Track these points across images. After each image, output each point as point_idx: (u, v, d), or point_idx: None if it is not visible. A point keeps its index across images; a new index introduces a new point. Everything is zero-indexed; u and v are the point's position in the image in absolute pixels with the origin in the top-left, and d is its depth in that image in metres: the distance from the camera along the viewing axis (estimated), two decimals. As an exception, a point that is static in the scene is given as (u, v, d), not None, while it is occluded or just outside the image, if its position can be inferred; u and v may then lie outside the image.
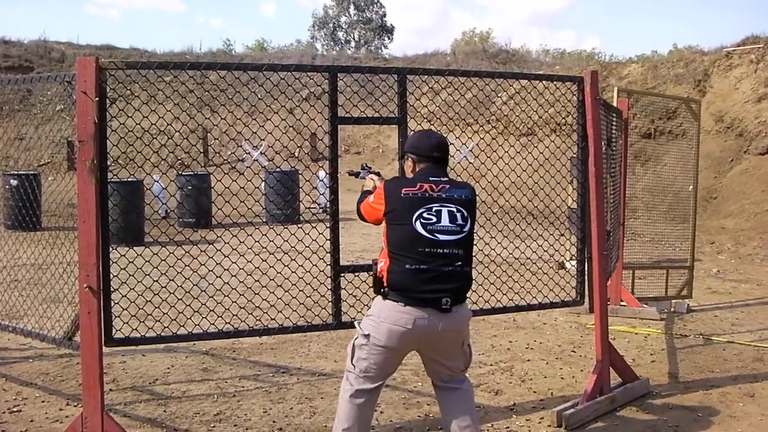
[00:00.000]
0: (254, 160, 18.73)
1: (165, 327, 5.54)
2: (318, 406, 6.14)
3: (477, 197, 4.75)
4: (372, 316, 4.53)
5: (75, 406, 6.08)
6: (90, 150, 4.66)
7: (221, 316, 5.45)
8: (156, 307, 5.41)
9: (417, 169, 4.73)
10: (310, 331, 6.08)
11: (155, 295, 5.26)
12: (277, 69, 5.66)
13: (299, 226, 6.07)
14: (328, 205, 5.74)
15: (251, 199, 5.98)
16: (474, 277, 4.64)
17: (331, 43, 59.73)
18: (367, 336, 4.50)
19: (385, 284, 4.47)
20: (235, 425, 5.76)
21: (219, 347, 7.71)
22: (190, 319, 5.41)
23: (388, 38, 61.19)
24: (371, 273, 4.91)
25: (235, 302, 5.49)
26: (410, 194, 4.51)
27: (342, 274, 5.56)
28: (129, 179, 15.21)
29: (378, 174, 5.45)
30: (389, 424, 5.82)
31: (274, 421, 5.84)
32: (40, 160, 25.63)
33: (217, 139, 26.18)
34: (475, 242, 4.71)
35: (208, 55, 37.75)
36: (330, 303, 5.53)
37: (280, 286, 5.74)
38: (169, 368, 7.15)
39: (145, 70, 5.22)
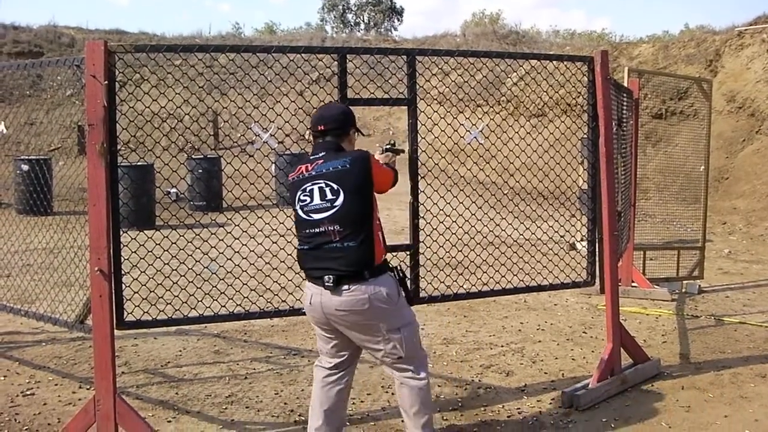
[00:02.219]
0: (264, 142, 18.67)
1: (176, 310, 5.55)
2: (329, 388, 6.14)
3: (363, 163, 4.48)
4: None
5: (87, 389, 6.11)
6: (100, 134, 4.66)
7: (232, 299, 5.44)
8: (167, 290, 5.41)
9: (314, 145, 4.69)
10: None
11: (166, 278, 5.26)
12: (287, 51, 5.65)
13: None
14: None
15: (261, 182, 5.96)
16: (485, 258, 4.60)
17: (341, 26, 59.51)
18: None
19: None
20: (246, 407, 5.78)
21: (230, 329, 7.74)
22: (201, 301, 5.42)
23: (398, 20, 60.89)
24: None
25: (246, 284, 5.48)
26: (292, 180, 4.55)
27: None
28: (139, 163, 15.25)
29: (396, 152, 5.34)
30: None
31: (285, 403, 5.86)
32: (50, 145, 25.65)
33: (227, 122, 26.16)
34: (484, 224, 4.66)
35: (217, 38, 37.68)
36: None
37: (291, 268, 5.73)
38: (180, 351, 7.19)
39: (154, 53, 5.23)
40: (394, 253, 5.78)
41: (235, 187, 6.02)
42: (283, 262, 5.58)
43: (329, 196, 4.37)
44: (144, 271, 5.08)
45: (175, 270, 5.25)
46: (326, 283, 4.34)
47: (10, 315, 7.28)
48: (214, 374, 6.52)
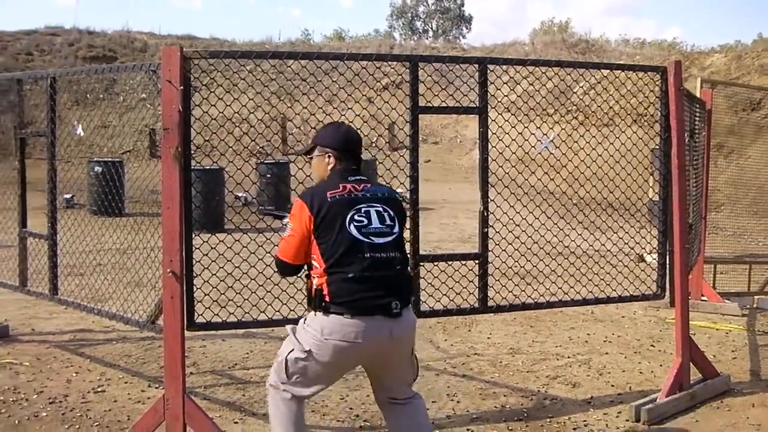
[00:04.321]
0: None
1: (246, 312, 5.60)
2: (394, 394, 6.15)
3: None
4: (312, 333, 4.08)
5: (156, 387, 6.21)
6: (174, 137, 4.74)
7: (301, 303, 5.45)
8: (237, 293, 5.46)
9: (337, 168, 4.32)
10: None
11: (236, 281, 5.32)
12: (359, 58, 5.68)
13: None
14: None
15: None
16: (553, 269, 4.55)
17: (409, 33, 59.72)
18: (308, 352, 4.08)
19: (327, 298, 4.01)
20: (312, 411, 5.81)
21: (297, 334, 7.77)
22: (270, 305, 5.45)
23: (466, 28, 61.01)
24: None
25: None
26: (336, 197, 4.13)
27: (421, 264, 5.57)
28: (211, 167, 15.44)
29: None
30: (465, 414, 5.82)
31: (350, 408, 5.89)
32: (123, 148, 26.16)
33: (299, 127, 26.36)
34: (553, 234, 4.60)
35: (286, 44, 38.06)
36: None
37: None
38: (248, 353, 7.26)
39: (227, 59, 5.30)
40: (463, 262, 5.79)
41: (296, 192, 6.02)
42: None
43: (388, 221, 4.19)
44: (215, 274, 5.14)
45: (246, 273, 5.30)
46: (394, 310, 4.06)
47: (82, 313, 7.41)
48: (279, 377, 6.57)
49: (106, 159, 18.42)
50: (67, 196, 17.51)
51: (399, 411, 4.40)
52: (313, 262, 4.13)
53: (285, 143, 26.20)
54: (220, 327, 5.32)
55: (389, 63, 6.25)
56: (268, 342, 7.54)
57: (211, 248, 5.08)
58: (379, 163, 18.12)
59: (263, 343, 7.54)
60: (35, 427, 5.49)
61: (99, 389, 6.23)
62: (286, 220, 4.61)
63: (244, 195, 16.56)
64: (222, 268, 5.18)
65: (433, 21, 61.17)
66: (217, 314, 5.23)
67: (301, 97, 23.78)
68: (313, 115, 6.56)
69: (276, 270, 4.41)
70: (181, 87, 4.75)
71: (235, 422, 5.60)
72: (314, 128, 8.11)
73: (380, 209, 4.19)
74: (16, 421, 5.60)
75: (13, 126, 23.25)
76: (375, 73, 6.42)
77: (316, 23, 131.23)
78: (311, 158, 4.47)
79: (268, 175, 17.80)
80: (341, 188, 4.16)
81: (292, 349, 4.15)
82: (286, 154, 24.05)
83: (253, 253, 5.34)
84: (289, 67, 17.83)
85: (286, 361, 4.15)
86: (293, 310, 5.24)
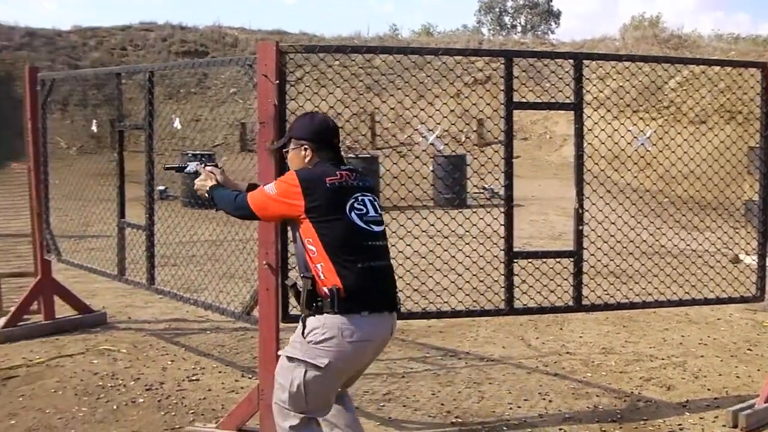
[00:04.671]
0: (430, 143, 18.80)
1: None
2: (486, 391, 6.13)
3: None
4: (326, 341, 3.80)
5: (249, 378, 6.29)
6: (270, 131, 4.79)
7: (403, 291, 5.40)
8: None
9: (314, 160, 4.11)
10: (481, 316, 6.08)
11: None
12: (453, 54, 5.70)
13: (473, 210, 6.06)
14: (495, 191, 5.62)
15: (419, 183, 5.97)
16: (649, 268, 4.45)
17: (497, 28, 59.28)
18: (327, 365, 3.80)
19: (343, 294, 3.78)
20: (404, 405, 5.82)
21: (388, 328, 7.78)
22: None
23: (555, 23, 60.28)
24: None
25: (409, 284, 5.49)
26: (336, 183, 3.95)
27: (515, 260, 5.52)
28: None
29: (218, 166, 4.65)
30: (557, 413, 5.76)
31: (442, 404, 5.87)
32: (214, 141, 26.57)
33: (393, 122, 26.42)
34: (649, 233, 4.48)
35: (375, 39, 38.09)
36: (503, 289, 5.46)
37: (453, 270, 5.70)
38: (338, 346, 7.27)
39: (323, 53, 5.33)
40: (557, 259, 5.72)
41: (391, 186, 6.02)
42: (438, 264, 5.55)
43: (379, 210, 4.08)
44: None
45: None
46: (398, 306, 4.06)
47: (176, 303, 7.56)
48: (371, 371, 6.55)
49: (198, 152, 18.72)
50: (161, 188, 17.83)
51: (344, 402, 4.28)
52: (309, 245, 3.90)
53: (373, 138, 26.30)
54: (315, 320, 5.35)
55: (475, 59, 6.21)
56: (358, 336, 7.56)
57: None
58: (474, 158, 18.02)
59: (355, 336, 7.56)
60: (132, 413, 5.62)
61: (194, 378, 6.35)
62: (190, 168, 4.78)
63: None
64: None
65: (522, 16, 60.60)
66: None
67: (392, 92, 23.94)
68: (405, 110, 6.53)
69: (225, 205, 4.25)
70: (277, 81, 4.80)
71: (326, 415, 5.64)
72: (409, 123, 8.15)
73: (371, 198, 4.07)
74: (115, 407, 5.75)
75: (109, 119, 23.93)
76: (465, 69, 6.36)
77: (404, 19, 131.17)
78: (287, 152, 4.24)
79: (359, 169, 17.81)
80: (338, 175, 3.99)
81: (305, 371, 3.85)
82: (375, 148, 24.16)
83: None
84: (384, 62, 17.90)
85: (304, 386, 3.86)
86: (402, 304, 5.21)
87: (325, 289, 3.80)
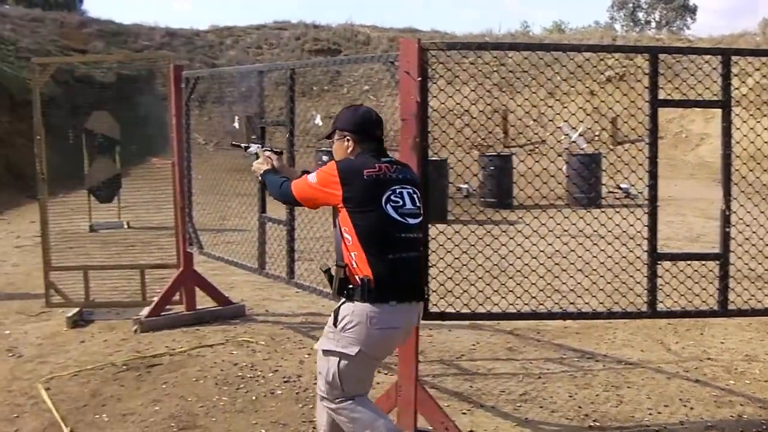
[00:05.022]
0: (573, 141, 18.58)
1: (479, 304, 5.53)
2: (625, 395, 6.00)
3: None
4: (357, 329, 3.98)
5: (385, 374, 6.32)
6: (412, 128, 4.80)
7: (520, 297, 5.33)
8: (456, 284, 5.39)
9: (357, 151, 4.26)
10: (622, 318, 5.94)
11: (456, 272, 5.26)
12: (596, 50, 5.56)
13: (604, 210, 5.93)
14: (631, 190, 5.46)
15: (553, 182, 5.86)
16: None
17: (631, 24, 58.07)
18: (359, 352, 3.98)
19: (372, 285, 3.96)
20: (540, 407, 5.76)
21: (523, 328, 7.73)
22: (489, 298, 5.33)
23: (691, 18, 58.66)
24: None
25: (534, 284, 5.39)
26: (373, 176, 4.08)
27: (659, 262, 5.37)
28: (434, 158, 15.61)
29: (278, 154, 4.97)
30: (699, 421, 5.58)
31: (579, 407, 5.78)
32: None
33: (526, 120, 26.19)
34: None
35: (506, 37, 37.79)
36: (645, 291, 5.31)
37: (581, 270, 5.57)
38: (474, 345, 7.28)
39: (465, 50, 5.31)
40: (703, 262, 5.53)
41: (527, 185, 5.93)
42: (575, 263, 5.45)
43: (417, 203, 4.19)
44: (450, 265, 5.15)
45: (465, 265, 5.26)
46: (425, 296, 4.28)
47: (312, 297, 7.67)
48: (507, 371, 6.54)
49: (330, 149, 18.96)
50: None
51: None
52: (345, 234, 4.07)
53: (507, 135, 26.13)
54: (453, 318, 5.34)
55: (613, 55, 6.06)
56: (493, 335, 7.54)
57: (432, 239, 5.06)
58: (603, 156, 17.71)
59: (489, 335, 7.54)
60: (271, 404, 5.73)
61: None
62: (252, 149, 5.07)
63: (466, 186, 16.62)
64: (441, 258, 5.15)
65: (656, 11, 59.23)
66: (436, 305, 5.26)
67: (524, 90, 23.75)
68: (534, 107, 6.44)
69: (272, 190, 4.56)
70: (419, 78, 4.80)
71: (463, 413, 5.63)
72: (535, 120, 8.04)
73: (411, 191, 4.18)
74: (254, 397, 5.88)
75: (245, 116, 24.42)
76: (597, 66, 6.22)
77: (534, 16, 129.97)
78: (332, 142, 4.44)
79: (491, 168, 17.75)
80: (377, 168, 4.11)
81: (339, 360, 4.02)
82: (507, 147, 24.01)
83: (473, 245, 5.26)
84: (514, 60, 17.75)
85: (339, 375, 4.03)
86: (512, 304, 5.16)
87: (357, 278, 4.00)
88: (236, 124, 23.69)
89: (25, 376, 6.52)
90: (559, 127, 20.91)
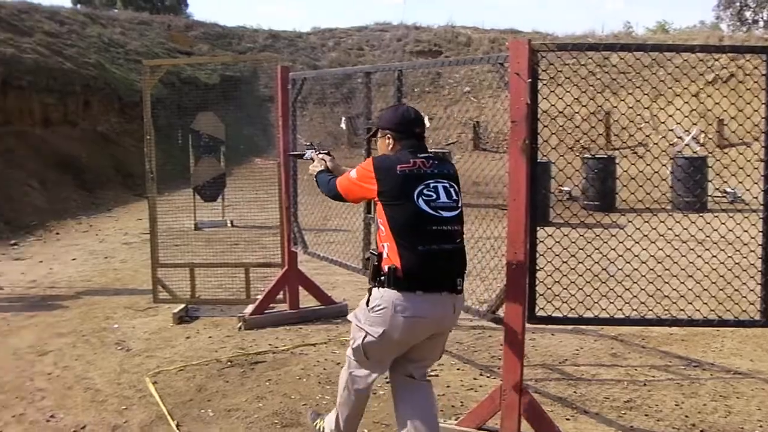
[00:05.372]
0: (685, 144, 18.19)
1: (572, 309, 5.46)
2: (733, 406, 5.83)
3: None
4: (382, 312, 4.22)
5: (488, 377, 6.31)
6: (522, 130, 4.74)
7: (628, 303, 5.24)
8: (564, 288, 5.32)
9: (397, 148, 4.47)
10: (734, 327, 5.81)
11: (564, 276, 5.18)
12: (711, 51, 5.41)
13: (715, 215, 5.77)
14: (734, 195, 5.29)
15: (656, 185, 5.72)
16: None
17: (737, 24, 56.49)
18: (382, 334, 4.23)
19: (400, 273, 4.16)
20: (645, 415, 5.65)
21: (627, 333, 7.58)
22: (597, 303, 5.27)
23: (801, 17, 56.72)
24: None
25: (644, 290, 5.27)
26: (407, 171, 4.27)
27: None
28: (539, 160, 15.46)
29: (329, 154, 5.26)
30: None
31: (686, 416, 5.64)
32: (447, 139, 26.82)
33: (616, 121, 25.77)
34: None
35: (610, 37, 37.22)
36: (759, 298, 5.11)
37: (692, 276, 5.40)
38: (577, 350, 7.18)
39: (576, 51, 5.23)
40: None
41: (629, 188, 5.80)
42: (684, 269, 5.31)
43: (454, 196, 4.36)
44: (558, 268, 5.08)
45: (573, 269, 5.17)
46: (458, 287, 4.30)
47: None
48: (611, 377, 6.44)
49: (434, 150, 18.95)
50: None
51: (414, 387, 4.51)
52: (380, 225, 4.32)
53: (608, 137, 25.72)
54: (560, 322, 5.28)
55: (719, 56, 5.87)
56: (597, 340, 7.44)
57: (556, 242, 5.00)
58: (716, 160, 17.23)
59: (593, 340, 7.44)
60: (373, 405, 5.76)
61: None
62: (307, 155, 5.39)
63: (568, 189, 16.43)
64: (550, 262, 5.09)
65: (765, 11, 57.47)
66: (558, 309, 5.20)
67: (623, 91, 23.33)
68: (636, 108, 6.29)
69: (322, 188, 4.88)
70: (529, 80, 4.75)
71: (567, 419, 5.56)
72: (661, 123, 7.87)
73: (447, 185, 4.34)
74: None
75: (346, 117, 24.63)
76: (699, 67, 6.04)
77: (637, 16, 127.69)
78: (376, 140, 4.71)
79: (595, 170, 17.48)
80: (411, 163, 4.30)
81: (365, 335, 4.31)
82: (609, 149, 23.61)
83: (582, 249, 5.19)
84: (608, 60, 17.47)
85: (363, 346, 4.34)
86: (620, 310, 5.06)
87: (386, 267, 4.22)
88: (342, 125, 23.93)
89: (133, 369, 6.71)
90: (671, 130, 20.42)
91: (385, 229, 4.28)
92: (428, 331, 4.35)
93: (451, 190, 4.36)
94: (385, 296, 4.21)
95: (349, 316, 4.57)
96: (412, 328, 4.24)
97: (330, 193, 4.76)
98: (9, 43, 20.17)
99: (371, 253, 4.40)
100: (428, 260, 4.18)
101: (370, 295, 4.32)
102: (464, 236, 4.44)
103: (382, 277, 4.23)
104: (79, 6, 38.02)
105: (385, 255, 4.26)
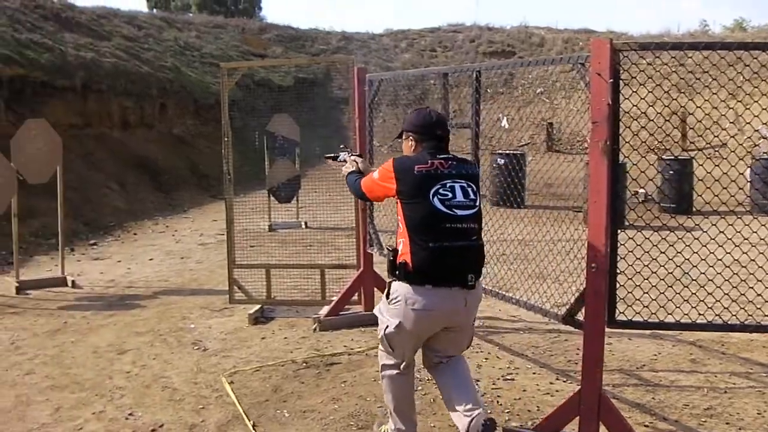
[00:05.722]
0: (772, 145, 17.74)
1: (652, 313, 5.34)
2: (820, 416, 5.68)
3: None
4: (398, 305, 4.47)
5: (564, 381, 6.24)
6: (603, 131, 4.67)
7: (711, 308, 5.12)
8: (645, 293, 5.21)
9: (419, 149, 4.69)
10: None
11: (645, 279, 5.08)
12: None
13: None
14: None
15: (735, 187, 5.58)
16: None
17: (821, 22, 55.13)
18: (399, 325, 4.48)
19: (410, 268, 4.39)
20: (726, 423, 5.53)
21: (707, 339, 7.43)
22: (679, 307, 5.15)
23: None
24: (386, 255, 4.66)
25: (727, 294, 5.14)
26: (423, 171, 4.48)
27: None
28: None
29: (361, 156, 5.51)
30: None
31: (769, 425, 5.52)
32: (520, 141, 26.64)
33: (700, 121, 25.13)
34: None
35: (686, 36, 36.63)
36: None
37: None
38: (655, 355, 7.06)
39: (658, 51, 5.16)
40: None
41: (707, 190, 5.66)
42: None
43: (471, 195, 4.54)
44: (639, 272, 4.98)
45: (655, 272, 5.06)
46: (470, 283, 4.43)
47: (488, 301, 7.64)
48: (691, 383, 6.32)
49: (508, 151, 18.85)
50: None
51: (444, 368, 4.75)
52: (399, 222, 4.56)
53: (685, 138, 25.26)
54: (641, 326, 5.19)
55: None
56: (675, 345, 7.30)
57: (637, 245, 4.91)
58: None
59: (671, 345, 7.31)
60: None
61: (508, 377, 6.38)
62: (341, 157, 5.55)
63: (643, 191, 16.18)
64: (631, 266, 5.00)
65: None
66: (639, 313, 5.11)
67: (702, 90, 22.87)
68: (715, 108, 6.14)
69: (350, 187, 5.17)
70: (611, 80, 4.69)
71: (645, 425, 5.47)
72: (716, 122, 7.69)
73: (464, 185, 4.53)
74: (432, 399, 5.94)
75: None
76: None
77: (712, 14, 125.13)
78: (401, 142, 4.89)
79: (670, 172, 17.16)
80: (429, 164, 4.51)
81: (387, 326, 4.56)
82: (686, 150, 23.18)
83: (664, 252, 5.09)
84: (690, 58, 17.12)
85: (386, 336, 4.59)
86: (702, 315, 4.96)
87: (398, 262, 4.45)
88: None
89: (210, 369, 6.80)
90: (756, 130, 19.94)
91: (402, 226, 4.52)
92: (439, 324, 4.55)
93: (469, 189, 4.55)
94: (399, 289, 4.47)
95: (375, 309, 4.83)
96: (422, 320, 4.46)
97: (356, 192, 5.08)
98: (89, 48, 20.59)
99: (388, 248, 4.62)
100: (438, 256, 4.38)
101: (389, 288, 4.58)
102: (481, 232, 4.64)
103: (397, 271, 4.47)
104: (155, 10, 38.69)
105: (399, 250, 4.50)
